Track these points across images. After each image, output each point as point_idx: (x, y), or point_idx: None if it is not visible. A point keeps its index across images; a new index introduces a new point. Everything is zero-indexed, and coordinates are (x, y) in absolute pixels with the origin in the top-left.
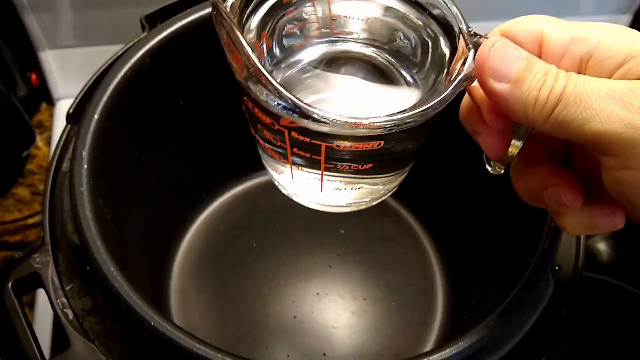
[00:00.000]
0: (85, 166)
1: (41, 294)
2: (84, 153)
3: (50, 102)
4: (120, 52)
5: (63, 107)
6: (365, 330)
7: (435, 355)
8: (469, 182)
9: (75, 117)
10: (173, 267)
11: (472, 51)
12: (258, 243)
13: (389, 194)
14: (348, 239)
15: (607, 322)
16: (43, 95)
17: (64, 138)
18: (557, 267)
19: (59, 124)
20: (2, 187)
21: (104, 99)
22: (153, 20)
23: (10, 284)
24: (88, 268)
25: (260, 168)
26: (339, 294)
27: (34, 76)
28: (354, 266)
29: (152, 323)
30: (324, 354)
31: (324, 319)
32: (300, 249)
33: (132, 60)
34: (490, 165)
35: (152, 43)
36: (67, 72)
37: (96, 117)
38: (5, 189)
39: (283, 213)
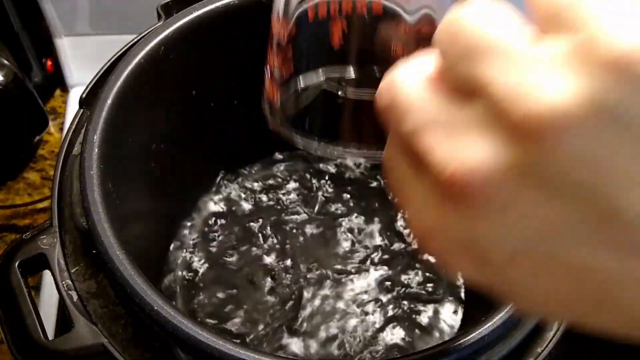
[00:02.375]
0: (96, 150)
1: (47, 278)
2: (95, 137)
3: (64, 89)
4: (135, 40)
5: (77, 94)
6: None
7: (435, 350)
8: None
9: (88, 102)
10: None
11: None
12: (263, 234)
13: None
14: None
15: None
16: (57, 82)
17: (75, 122)
18: None
19: (72, 110)
20: (13, 171)
21: (118, 84)
22: (169, 10)
23: (17, 263)
24: (94, 251)
25: (268, 162)
26: (350, 293)
27: (49, 63)
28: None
29: (155, 307)
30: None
31: (330, 318)
32: (311, 245)
33: (147, 48)
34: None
35: (167, 32)
36: (82, 60)
37: (109, 102)
38: (16, 173)
39: (291, 205)
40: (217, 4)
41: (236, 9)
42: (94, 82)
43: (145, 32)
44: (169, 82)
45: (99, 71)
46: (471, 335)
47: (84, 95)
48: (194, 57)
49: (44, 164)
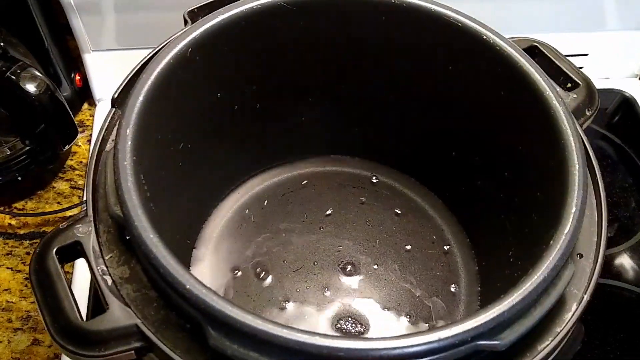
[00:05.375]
0: (129, 142)
1: (77, 271)
2: (128, 130)
3: (92, 103)
4: (164, 43)
5: (103, 108)
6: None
7: (455, 325)
8: (492, 171)
9: (120, 101)
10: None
11: None
12: (286, 233)
13: None
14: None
15: (630, 331)
16: (85, 96)
17: (108, 121)
18: (578, 255)
19: (100, 123)
20: (43, 181)
21: (149, 82)
22: (195, 16)
23: (54, 250)
24: (128, 237)
25: (288, 161)
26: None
27: (77, 77)
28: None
29: (188, 286)
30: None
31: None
32: (327, 240)
33: (175, 50)
34: None
35: (194, 34)
36: (109, 74)
37: (140, 98)
38: (46, 183)
39: (312, 205)
40: (241, 8)
41: (259, 13)
42: (125, 82)
43: (174, 35)
44: (195, 83)
45: (130, 72)
46: (491, 311)
47: (116, 95)
48: (218, 60)
49: (73, 174)
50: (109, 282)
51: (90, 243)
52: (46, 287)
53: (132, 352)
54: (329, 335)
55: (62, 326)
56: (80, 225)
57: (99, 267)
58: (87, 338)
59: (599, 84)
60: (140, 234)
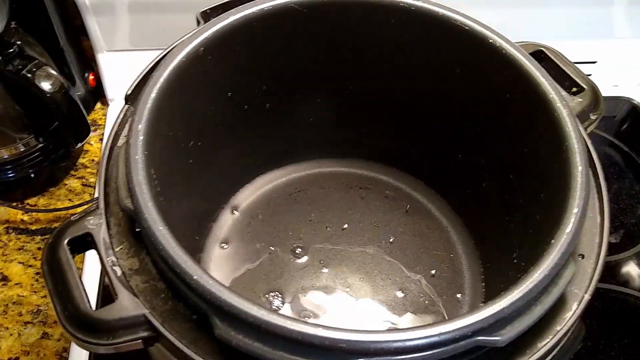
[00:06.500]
0: (141, 137)
1: (86, 266)
2: (140, 126)
3: (104, 103)
4: (177, 41)
5: (116, 107)
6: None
7: (455, 321)
8: (497, 173)
9: (133, 98)
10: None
11: None
12: (293, 231)
13: None
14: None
15: (635, 337)
16: (98, 96)
17: (121, 117)
18: (580, 256)
19: (112, 122)
20: (55, 179)
21: (161, 80)
22: (208, 17)
23: (66, 241)
24: (138, 229)
25: (296, 161)
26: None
27: (91, 77)
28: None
29: (195, 277)
30: None
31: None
32: (334, 240)
33: (188, 48)
34: None
35: (206, 34)
36: (122, 74)
37: (153, 95)
38: (58, 181)
39: (319, 205)
40: (253, 9)
41: (270, 14)
42: (138, 80)
43: (186, 35)
44: (207, 82)
45: (144, 70)
46: (492, 307)
47: (129, 92)
48: (230, 59)
49: (84, 172)
50: (119, 273)
51: (101, 235)
52: (57, 276)
53: (140, 341)
54: (331, 327)
55: (72, 314)
56: (91, 217)
57: (109, 259)
58: (95, 326)
59: (607, 91)
60: (150, 226)
